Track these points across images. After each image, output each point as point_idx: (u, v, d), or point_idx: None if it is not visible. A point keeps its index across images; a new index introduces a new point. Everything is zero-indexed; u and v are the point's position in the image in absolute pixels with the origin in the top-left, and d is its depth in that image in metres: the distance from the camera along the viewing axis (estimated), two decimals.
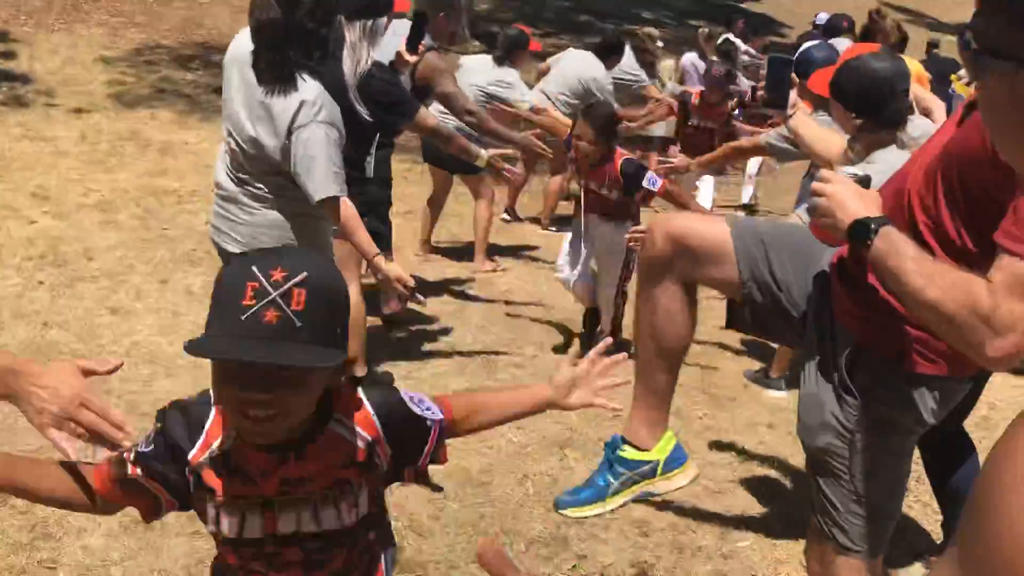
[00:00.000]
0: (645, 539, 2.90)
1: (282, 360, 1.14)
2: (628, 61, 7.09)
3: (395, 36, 3.60)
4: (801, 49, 4.23)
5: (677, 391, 3.98)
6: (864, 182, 1.69)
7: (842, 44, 4.84)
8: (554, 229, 6.82)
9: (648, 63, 7.63)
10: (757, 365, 4.36)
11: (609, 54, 6.80)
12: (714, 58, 9.10)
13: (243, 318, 1.13)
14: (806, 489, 2.15)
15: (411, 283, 2.88)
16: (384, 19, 3.12)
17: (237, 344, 1.14)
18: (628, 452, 2.46)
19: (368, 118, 3.07)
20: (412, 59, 3.59)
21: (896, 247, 1.55)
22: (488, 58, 6.07)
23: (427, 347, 4.27)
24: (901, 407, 1.82)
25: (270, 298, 1.14)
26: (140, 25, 11.17)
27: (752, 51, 10.69)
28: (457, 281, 5.31)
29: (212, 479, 1.28)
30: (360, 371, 3.65)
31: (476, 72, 5.82)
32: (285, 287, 1.14)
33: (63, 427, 1.28)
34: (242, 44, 2.61)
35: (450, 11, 4.42)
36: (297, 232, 2.71)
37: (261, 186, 2.66)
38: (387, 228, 4.26)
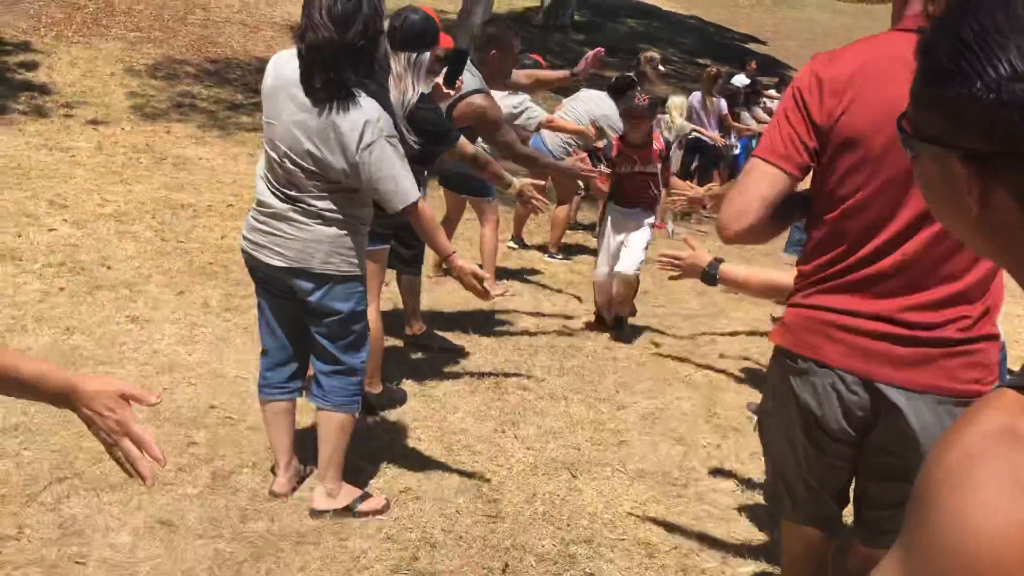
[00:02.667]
0: (651, 560, 2.99)
1: None
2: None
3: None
4: None
5: (682, 420, 4.13)
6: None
7: None
8: (560, 257, 6.96)
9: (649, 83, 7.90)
10: (759, 397, 4.46)
11: (622, 93, 6.96)
12: (715, 98, 9.32)
13: None
14: None
15: (486, 276, 3.10)
16: (428, 54, 3.24)
17: None
18: None
19: (415, 146, 3.19)
20: (450, 93, 3.68)
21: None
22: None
23: (441, 367, 4.36)
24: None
25: None
26: (157, 41, 11.34)
27: (774, 92, 10.92)
28: (468, 304, 5.41)
29: None
30: (376, 388, 3.75)
31: None
32: None
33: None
34: (286, 67, 2.69)
35: (506, 50, 4.32)
36: (349, 247, 2.81)
37: (316, 203, 2.73)
38: (421, 245, 4.30)
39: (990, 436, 0.69)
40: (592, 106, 6.89)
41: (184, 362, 4.03)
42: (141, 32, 11.54)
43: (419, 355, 4.51)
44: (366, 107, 2.62)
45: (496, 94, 6.08)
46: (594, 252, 7.34)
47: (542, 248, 7.14)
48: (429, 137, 3.31)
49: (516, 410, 3.97)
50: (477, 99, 3.93)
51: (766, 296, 3.14)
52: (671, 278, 2.86)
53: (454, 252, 2.97)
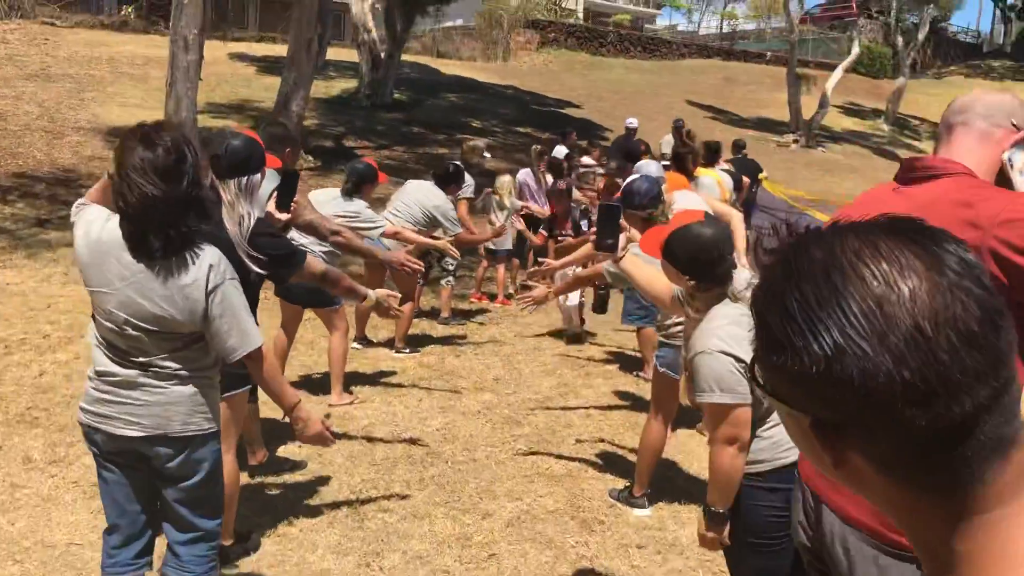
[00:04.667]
0: None
1: None
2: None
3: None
4: (625, 184, 4.57)
5: (548, 519, 4.10)
6: None
7: (651, 167, 5.28)
8: (408, 351, 6.87)
9: (477, 174, 8.10)
10: (620, 483, 4.51)
11: (449, 182, 7.06)
12: (544, 173, 9.59)
13: None
14: None
15: (326, 427, 2.95)
16: (258, 175, 3.13)
17: None
18: None
19: (261, 271, 3.05)
20: (284, 218, 3.57)
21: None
22: (335, 191, 6.14)
23: (295, 499, 4.16)
24: None
25: None
26: None
27: (590, 160, 11.34)
28: None
29: None
30: (227, 540, 3.52)
31: (325, 204, 5.88)
32: None
33: None
34: (104, 229, 2.51)
35: (295, 145, 4.55)
36: (207, 403, 2.64)
37: (169, 364, 2.56)
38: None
39: None
40: (422, 197, 6.90)
41: (6, 535, 3.65)
42: None
43: (273, 490, 4.29)
44: (205, 253, 2.50)
45: (333, 198, 6.03)
46: (441, 341, 7.32)
47: (389, 343, 7.03)
48: (275, 261, 3.18)
49: (379, 537, 3.82)
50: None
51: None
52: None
53: (299, 402, 2.83)
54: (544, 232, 9.50)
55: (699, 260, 2.62)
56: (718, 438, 2.51)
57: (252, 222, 3.09)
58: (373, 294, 3.75)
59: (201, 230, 2.52)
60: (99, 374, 2.60)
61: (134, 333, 2.51)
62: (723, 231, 2.71)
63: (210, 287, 2.48)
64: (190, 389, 2.58)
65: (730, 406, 2.48)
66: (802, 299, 0.76)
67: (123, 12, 24.27)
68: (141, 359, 2.55)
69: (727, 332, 2.53)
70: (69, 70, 16.63)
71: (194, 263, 2.47)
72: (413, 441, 5.00)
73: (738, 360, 2.48)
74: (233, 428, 3.38)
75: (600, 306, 6.67)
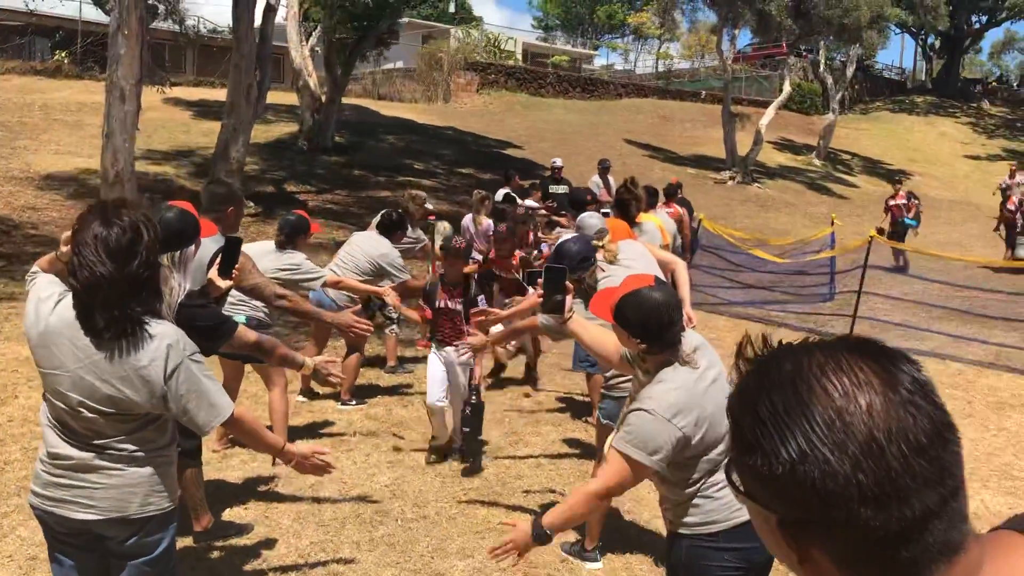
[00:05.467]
0: None
1: None
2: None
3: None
4: (556, 244, 4.57)
5: None
6: None
7: (592, 219, 5.29)
8: (355, 403, 6.79)
9: (419, 222, 8.13)
10: (572, 536, 4.50)
11: (392, 230, 7.05)
12: (485, 217, 9.64)
13: None
14: None
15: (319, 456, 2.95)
16: (192, 248, 3.10)
17: None
18: None
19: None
20: (225, 285, 3.53)
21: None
22: (270, 244, 6.08)
23: (240, 563, 4.06)
24: None
25: None
26: None
27: (533, 203, 11.44)
28: (260, 480, 5.12)
29: None
30: None
31: (262, 257, 5.81)
32: None
33: None
34: (56, 310, 2.46)
35: (239, 204, 4.50)
36: (164, 482, 2.59)
37: (125, 446, 2.50)
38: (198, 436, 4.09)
39: None
40: (369, 247, 6.88)
41: None
42: None
43: (218, 553, 4.19)
44: (162, 332, 2.45)
45: (268, 251, 5.98)
46: (388, 391, 7.25)
47: (335, 396, 6.95)
48: (202, 333, 3.13)
49: None
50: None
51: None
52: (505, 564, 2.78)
53: (283, 446, 2.84)
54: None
55: (650, 324, 2.65)
56: (603, 484, 2.59)
57: (183, 294, 3.04)
58: (311, 361, 3.70)
59: (152, 311, 2.48)
60: (52, 456, 2.53)
61: (89, 415, 2.46)
62: (672, 296, 2.75)
63: (170, 368, 2.44)
64: (148, 470, 2.54)
65: (638, 465, 2.54)
66: (772, 407, 0.84)
67: (56, 58, 23.89)
68: (97, 441, 2.49)
69: (674, 398, 2.56)
70: (1, 117, 16.29)
71: (151, 343, 2.43)
72: (362, 498, 4.93)
73: (675, 431, 2.51)
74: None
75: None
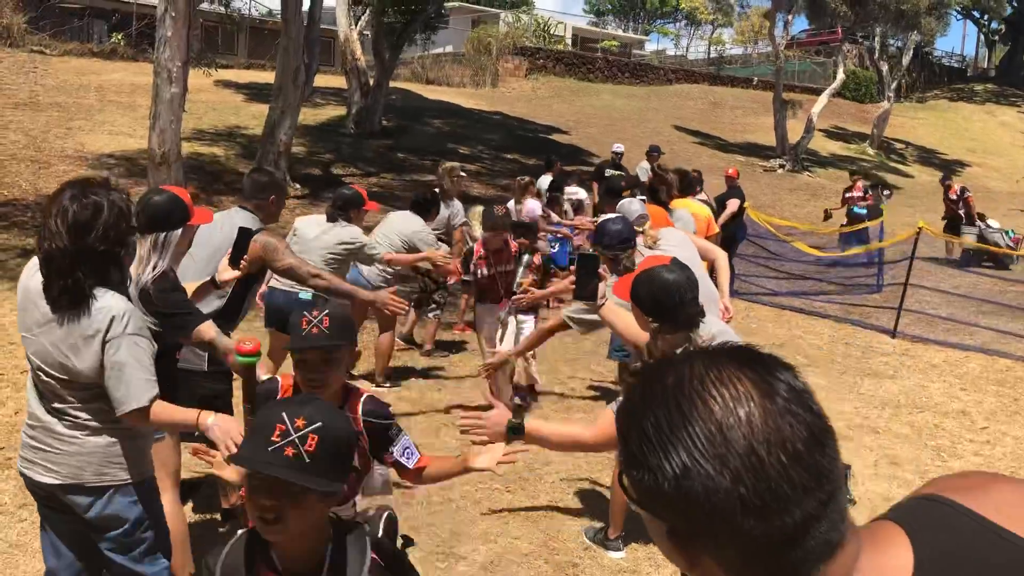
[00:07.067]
0: None
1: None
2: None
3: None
4: (600, 222, 4.58)
5: (522, 563, 4.08)
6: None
7: (633, 205, 5.27)
8: (388, 386, 6.85)
9: (450, 197, 8.13)
10: (597, 523, 4.49)
11: (427, 209, 7.09)
12: (531, 199, 9.62)
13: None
14: None
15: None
16: (177, 232, 3.13)
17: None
18: None
19: (156, 328, 3.00)
20: (233, 275, 3.56)
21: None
22: (321, 217, 6.10)
23: None
24: None
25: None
26: None
27: (582, 193, 11.40)
28: None
29: None
30: None
31: (315, 229, 5.86)
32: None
33: None
34: (32, 278, 2.61)
35: (280, 192, 4.52)
36: (124, 454, 2.65)
37: (80, 414, 2.61)
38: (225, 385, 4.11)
39: None
40: (401, 226, 6.92)
41: None
42: None
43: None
44: (110, 304, 2.53)
45: (313, 223, 6.01)
46: (422, 373, 7.30)
47: (368, 377, 7.01)
48: (160, 319, 3.11)
49: None
50: (261, 236, 4.04)
51: (567, 450, 3.19)
52: (474, 443, 2.75)
53: (199, 414, 2.60)
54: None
55: (661, 303, 2.63)
56: (591, 437, 2.55)
57: (156, 275, 3.04)
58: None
59: (109, 285, 2.55)
60: (29, 416, 2.68)
61: (46, 379, 2.59)
62: (687, 277, 2.72)
63: (108, 339, 2.52)
64: (104, 440, 2.62)
65: None
66: (656, 423, 0.87)
67: (112, 40, 24.36)
68: (56, 405, 2.61)
69: None
70: (57, 98, 16.66)
71: (96, 313, 2.52)
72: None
73: None
74: (168, 470, 3.38)
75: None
